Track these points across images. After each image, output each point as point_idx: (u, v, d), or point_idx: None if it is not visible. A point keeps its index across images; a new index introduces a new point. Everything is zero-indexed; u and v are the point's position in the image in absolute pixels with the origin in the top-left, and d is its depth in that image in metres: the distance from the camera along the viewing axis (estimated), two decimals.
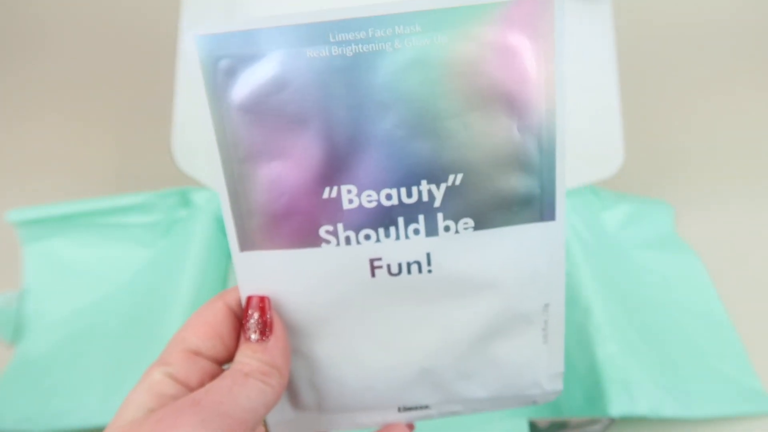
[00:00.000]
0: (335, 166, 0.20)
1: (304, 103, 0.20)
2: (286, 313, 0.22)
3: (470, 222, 0.21)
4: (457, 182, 0.21)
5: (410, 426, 0.25)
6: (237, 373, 0.20)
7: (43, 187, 0.57)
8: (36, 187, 0.57)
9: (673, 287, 0.48)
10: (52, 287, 0.48)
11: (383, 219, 0.21)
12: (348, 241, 0.21)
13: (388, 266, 0.21)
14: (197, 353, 0.21)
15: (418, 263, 0.21)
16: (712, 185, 0.55)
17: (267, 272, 0.22)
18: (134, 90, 0.63)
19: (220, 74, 0.19)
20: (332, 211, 0.21)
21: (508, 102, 0.20)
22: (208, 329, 0.21)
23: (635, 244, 0.50)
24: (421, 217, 0.21)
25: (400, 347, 0.23)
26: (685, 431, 0.40)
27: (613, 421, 0.37)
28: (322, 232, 0.21)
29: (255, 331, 0.21)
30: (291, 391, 0.24)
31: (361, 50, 0.19)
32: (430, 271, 0.22)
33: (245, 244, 0.21)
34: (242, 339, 0.21)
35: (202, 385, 0.20)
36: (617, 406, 0.37)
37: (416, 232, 0.21)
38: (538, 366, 0.24)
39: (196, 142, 0.47)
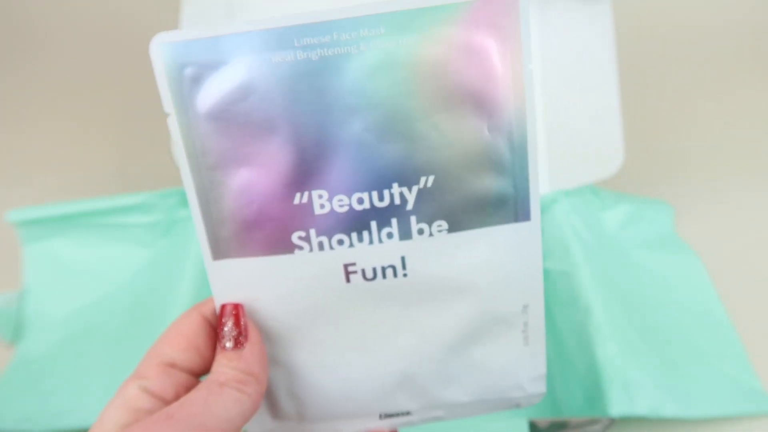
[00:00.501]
0: (305, 172, 0.20)
1: (271, 109, 0.19)
2: (263, 320, 0.22)
3: (444, 224, 0.21)
4: (429, 184, 0.20)
5: None
6: (212, 383, 0.19)
7: (44, 187, 0.57)
8: (36, 187, 0.57)
9: (673, 287, 0.47)
10: (52, 287, 0.48)
11: (356, 223, 0.21)
12: (321, 246, 0.21)
13: (363, 271, 0.21)
14: (173, 365, 0.20)
15: (393, 267, 0.21)
16: (712, 185, 0.55)
17: (241, 280, 0.21)
18: (134, 90, 0.63)
19: (185, 82, 0.19)
20: (304, 216, 0.20)
21: (477, 102, 0.20)
22: (184, 341, 0.21)
23: (635, 244, 0.50)
24: (394, 221, 0.21)
25: (379, 353, 0.23)
26: (685, 431, 0.39)
27: (613, 421, 0.37)
28: (294, 238, 0.21)
29: (230, 339, 0.21)
30: (270, 401, 0.23)
31: (326, 54, 0.19)
32: (405, 275, 0.21)
33: (218, 253, 0.21)
34: (218, 348, 0.21)
35: (178, 398, 0.20)
36: (617, 406, 0.37)
37: (390, 235, 0.21)
38: (519, 368, 0.24)
39: None
